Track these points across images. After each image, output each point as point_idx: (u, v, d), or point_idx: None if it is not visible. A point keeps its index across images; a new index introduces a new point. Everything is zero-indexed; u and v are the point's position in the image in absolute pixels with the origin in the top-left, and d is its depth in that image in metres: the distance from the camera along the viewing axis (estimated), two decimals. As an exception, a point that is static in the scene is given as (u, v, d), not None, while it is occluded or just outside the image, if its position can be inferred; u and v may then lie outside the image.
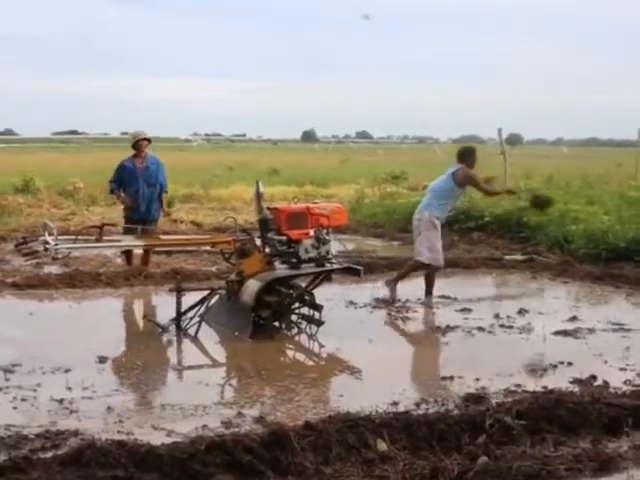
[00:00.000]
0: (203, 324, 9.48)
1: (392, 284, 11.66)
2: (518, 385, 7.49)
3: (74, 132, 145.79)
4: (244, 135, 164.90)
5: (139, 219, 12.84)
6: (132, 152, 13.67)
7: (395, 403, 6.91)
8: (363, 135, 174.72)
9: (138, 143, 13.61)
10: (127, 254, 13.59)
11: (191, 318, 9.60)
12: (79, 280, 12.34)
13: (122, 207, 13.94)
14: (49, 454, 5.68)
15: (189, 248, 14.46)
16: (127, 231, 12.34)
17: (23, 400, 7.07)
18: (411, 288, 12.27)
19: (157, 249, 13.07)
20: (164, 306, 10.25)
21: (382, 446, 5.79)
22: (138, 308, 10.41)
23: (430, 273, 11.73)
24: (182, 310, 9.61)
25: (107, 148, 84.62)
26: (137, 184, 13.45)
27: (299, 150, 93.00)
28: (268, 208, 9.81)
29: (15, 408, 6.90)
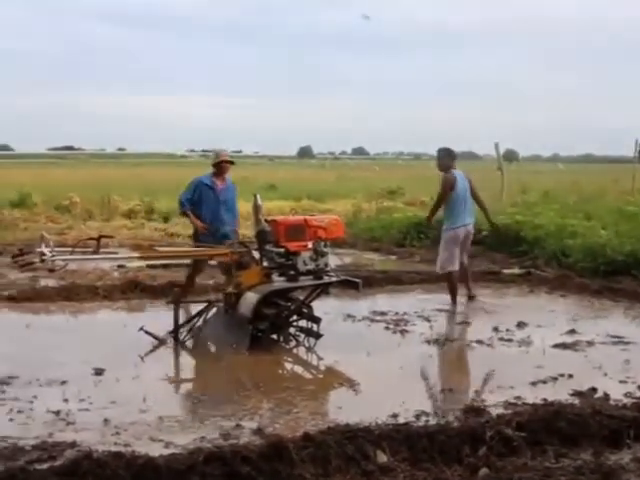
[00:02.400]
0: (201, 337, 9.44)
1: (471, 299, 12.58)
2: (518, 397, 7.44)
3: (70, 148, 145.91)
4: (240, 151, 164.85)
5: (214, 244, 10.89)
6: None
7: (395, 415, 6.85)
8: (359, 152, 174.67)
9: (220, 165, 12.14)
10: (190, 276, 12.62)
11: (189, 330, 9.57)
12: (76, 293, 12.33)
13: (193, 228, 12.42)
14: (45, 465, 5.62)
15: (186, 261, 14.40)
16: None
17: (19, 412, 7.04)
18: (409, 301, 12.30)
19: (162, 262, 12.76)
20: (161, 319, 10.21)
21: (382, 458, 5.74)
22: (135, 321, 10.33)
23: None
24: (180, 322, 9.58)
25: (103, 164, 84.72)
26: (216, 205, 12.04)
27: (295, 166, 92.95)
28: (266, 220, 9.77)
29: (11, 420, 6.87)
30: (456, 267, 12.42)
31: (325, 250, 9.52)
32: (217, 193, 12.07)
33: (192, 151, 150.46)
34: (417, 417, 6.86)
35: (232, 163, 12.37)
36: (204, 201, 12.01)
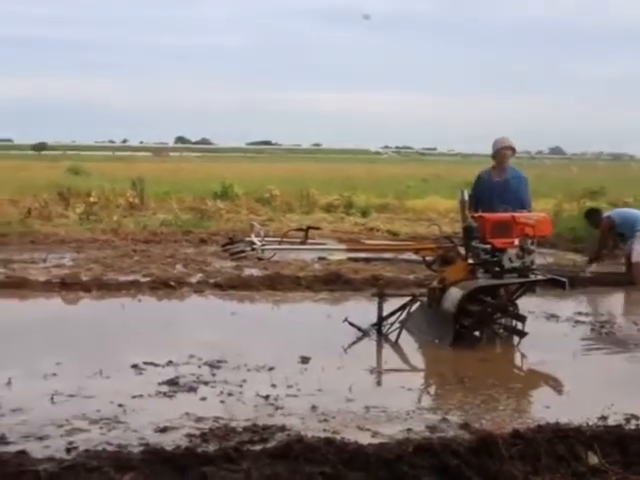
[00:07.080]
0: (404, 330, 9.48)
1: None
2: None
3: (267, 142, 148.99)
4: (435, 149, 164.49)
5: None
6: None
7: (604, 417, 6.67)
8: (556, 151, 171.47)
9: (499, 152, 11.32)
10: None
11: (392, 324, 9.64)
12: (279, 283, 12.57)
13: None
14: (257, 447, 5.77)
15: (386, 256, 14.49)
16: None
17: (229, 395, 7.27)
18: (615, 303, 12.03)
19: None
20: (364, 311, 10.30)
21: (593, 459, 5.62)
22: (338, 312, 10.47)
23: None
24: (383, 315, 9.65)
25: (299, 159, 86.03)
26: (490, 200, 10.87)
27: (489, 164, 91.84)
28: (473, 216, 9.71)
29: (222, 402, 7.10)
30: None
31: (532, 248, 9.39)
32: (492, 187, 11.22)
33: (386, 147, 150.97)
34: (627, 420, 6.69)
35: (513, 150, 11.43)
36: (479, 197, 11.16)
